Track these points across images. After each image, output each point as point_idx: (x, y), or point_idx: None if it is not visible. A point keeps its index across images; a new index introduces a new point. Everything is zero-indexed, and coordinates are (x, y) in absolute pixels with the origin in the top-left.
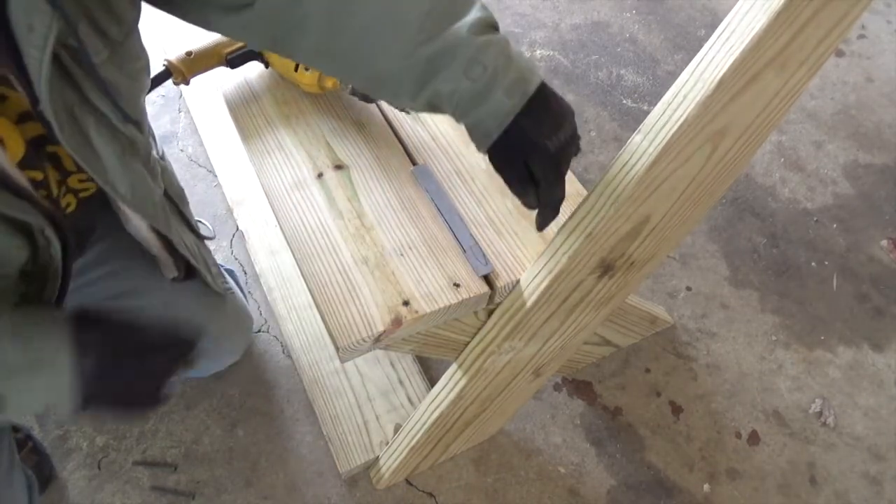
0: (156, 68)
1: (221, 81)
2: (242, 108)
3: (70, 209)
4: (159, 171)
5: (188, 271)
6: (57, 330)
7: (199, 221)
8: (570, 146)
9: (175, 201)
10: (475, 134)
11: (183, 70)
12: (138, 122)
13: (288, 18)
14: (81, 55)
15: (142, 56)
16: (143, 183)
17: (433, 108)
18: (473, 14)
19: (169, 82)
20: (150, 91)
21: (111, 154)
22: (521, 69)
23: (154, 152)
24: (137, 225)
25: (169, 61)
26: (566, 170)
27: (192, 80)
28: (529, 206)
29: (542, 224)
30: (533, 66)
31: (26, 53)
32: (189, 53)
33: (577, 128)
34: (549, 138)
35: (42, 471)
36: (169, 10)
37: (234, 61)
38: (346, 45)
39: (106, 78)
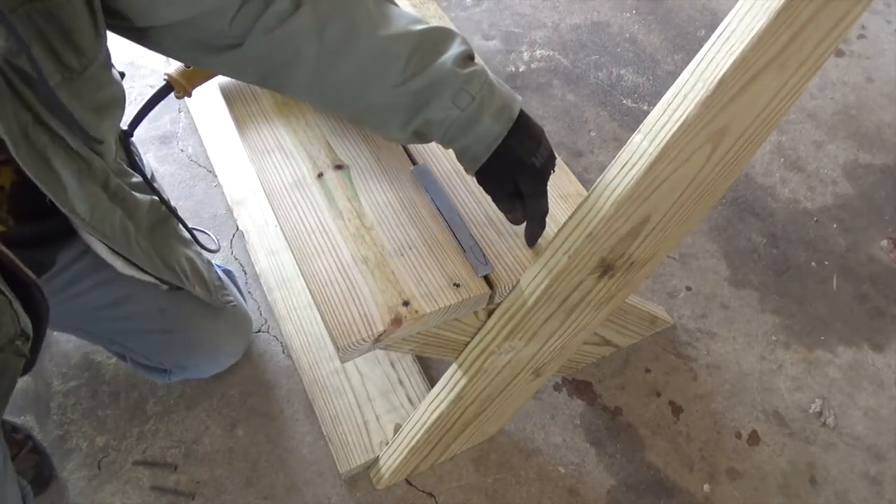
0: (157, 72)
1: (221, 82)
2: (242, 108)
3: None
4: (125, 196)
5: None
6: None
7: (204, 232)
8: (551, 162)
9: (163, 220)
10: (465, 158)
11: (184, 83)
12: (100, 142)
13: (277, 58)
14: (32, 77)
15: (107, 88)
16: (102, 205)
17: (420, 136)
18: (455, 48)
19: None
20: (152, 107)
21: (70, 175)
22: (504, 96)
23: (114, 179)
24: (98, 249)
25: (169, 75)
26: (547, 182)
27: (194, 91)
28: (516, 220)
29: (531, 238)
30: (512, 92)
31: None
32: (188, 65)
33: (551, 146)
34: (534, 155)
35: (42, 471)
36: (154, 48)
37: None
38: (336, 82)
39: (62, 101)
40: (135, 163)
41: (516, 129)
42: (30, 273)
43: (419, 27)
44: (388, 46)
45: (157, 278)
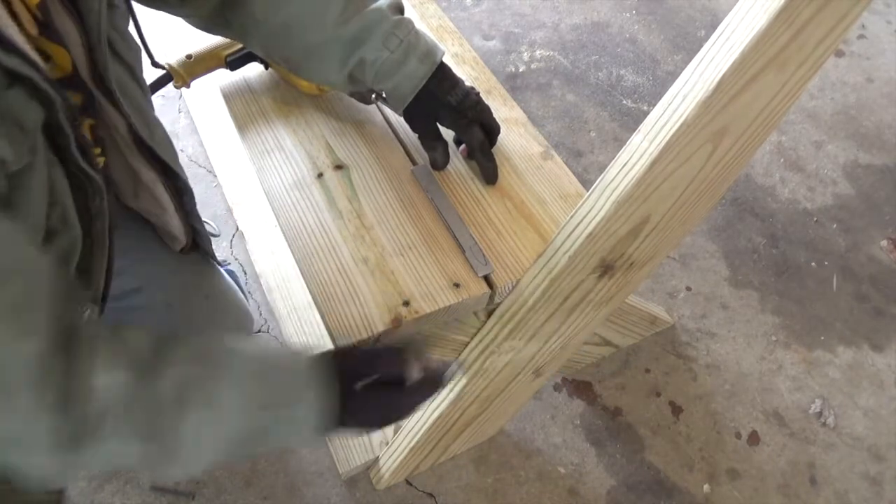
0: (156, 72)
1: (221, 82)
2: (242, 109)
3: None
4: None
5: (193, 242)
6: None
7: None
8: (467, 101)
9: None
10: (392, 97)
11: (183, 73)
12: (162, 67)
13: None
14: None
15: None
16: (158, 123)
17: (354, 81)
18: None
19: (170, 86)
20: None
21: (138, 98)
22: (429, 43)
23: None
24: (151, 180)
25: (169, 65)
26: (475, 116)
27: (193, 83)
28: (436, 161)
29: (486, 175)
30: (435, 41)
31: (85, 10)
32: (189, 56)
33: (470, 87)
34: (450, 94)
35: None
36: None
37: (234, 63)
38: (283, 21)
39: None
40: None
41: (436, 73)
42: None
43: None
44: None
45: (181, 218)
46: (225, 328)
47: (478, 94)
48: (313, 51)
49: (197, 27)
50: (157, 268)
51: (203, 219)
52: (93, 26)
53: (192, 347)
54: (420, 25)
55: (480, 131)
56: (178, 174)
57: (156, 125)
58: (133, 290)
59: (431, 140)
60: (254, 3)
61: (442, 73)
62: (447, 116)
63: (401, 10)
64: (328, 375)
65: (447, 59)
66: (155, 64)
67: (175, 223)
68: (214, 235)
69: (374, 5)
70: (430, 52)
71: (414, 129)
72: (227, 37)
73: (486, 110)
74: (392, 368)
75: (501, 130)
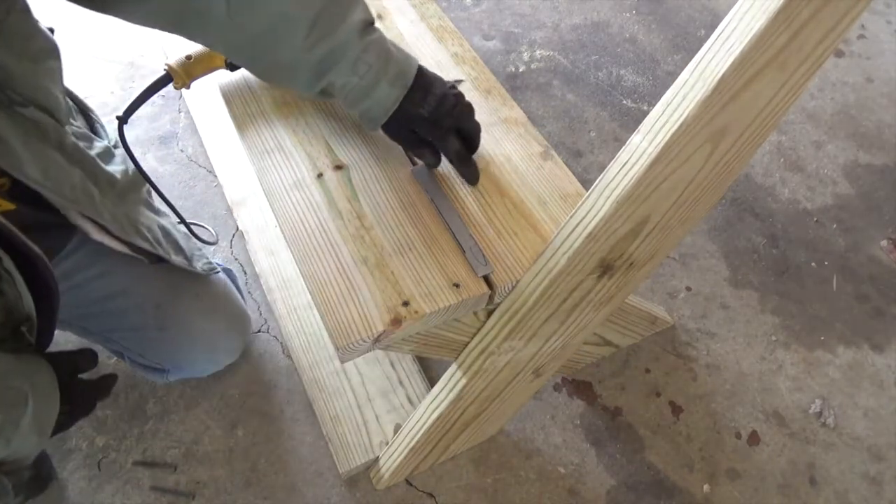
0: (157, 73)
1: (221, 82)
2: (242, 109)
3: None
4: (82, 157)
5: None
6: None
7: (201, 226)
8: (442, 107)
9: (133, 187)
10: (364, 120)
11: (182, 74)
12: (45, 107)
13: (188, 9)
14: None
15: (37, 37)
16: (57, 166)
17: (327, 95)
18: (357, 15)
19: (170, 86)
20: (150, 95)
21: (16, 137)
22: (400, 62)
23: (70, 139)
24: (69, 214)
25: (169, 66)
26: (450, 124)
27: (193, 84)
28: (430, 163)
29: (467, 176)
30: (409, 57)
31: None
32: (189, 57)
33: (449, 88)
34: (421, 107)
35: (40, 471)
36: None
37: (234, 64)
38: (246, 39)
39: None
40: (96, 129)
41: (410, 90)
42: (34, 246)
43: None
44: (293, 10)
45: (131, 247)
46: (218, 327)
47: (456, 94)
48: (282, 70)
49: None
50: (143, 269)
51: (201, 224)
52: None
53: None
54: (420, 25)
55: (456, 140)
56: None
57: (50, 167)
58: (119, 291)
59: (415, 148)
60: (207, 25)
61: (415, 87)
62: (422, 127)
63: (371, 24)
64: None
65: (447, 59)
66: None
67: (108, 242)
68: (211, 243)
69: (342, 27)
70: (402, 73)
71: (395, 141)
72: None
73: (464, 114)
74: None
75: (501, 130)
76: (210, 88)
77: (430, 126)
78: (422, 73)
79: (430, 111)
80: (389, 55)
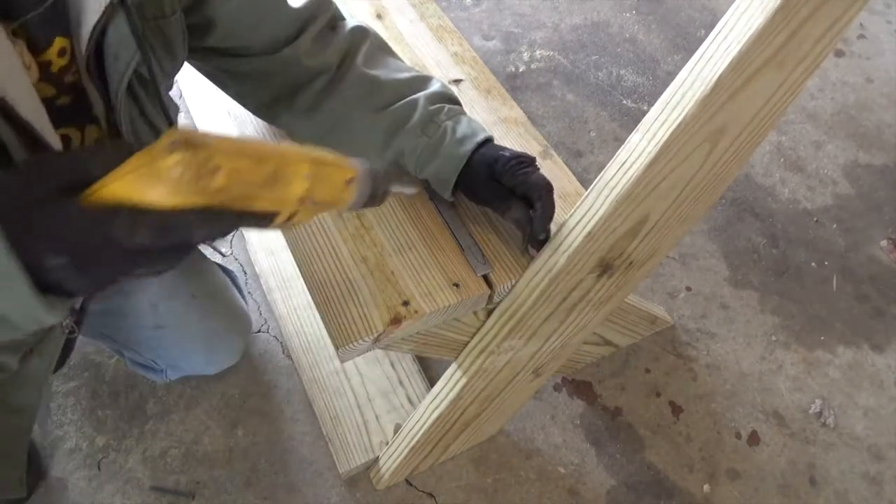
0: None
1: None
2: (242, 109)
3: None
4: None
5: None
6: None
7: None
8: (518, 159)
9: None
10: (436, 184)
11: None
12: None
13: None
14: (145, 79)
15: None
16: None
17: (398, 165)
18: (431, 87)
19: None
20: None
21: None
22: (473, 126)
23: None
24: None
25: None
26: (537, 179)
27: (192, 83)
28: (519, 220)
29: (539, 234)
30: (482, 126)
31: (110, 74)
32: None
33: (516, 154)
34: (504, 150)
35: (31, 466)
36: (239, 100)
37: None
38: (334, 119)
39: (164, 99)
40: None
41: (477, 147)
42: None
43: (406, 74)
44: (376, 77)
45: None
46: (217, 327)
47: (529, 161)
48: (354, 138)
49: (253, 113)
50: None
51: None
52: (113, 89)
53: None
54: (420, 25)
55: (522, 208)
56: None
57: None
58: (116, 291)
59: (503, 200)
60: (299, 99)
61: (490, 147)
62: (502, 169)
63: (449, 98)
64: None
65: (446, 58)
66: None
67: None
68: (222, 254)
69: (417, 95)
70: (472, 133)
71: (481, 203)
72: (278, 127)
73: (535, 183)
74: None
75: (501, 130)
76: (210, 88)
77: (518, 167)
78: (488, 140)
79: (512, 153)
80: (460, 117)
